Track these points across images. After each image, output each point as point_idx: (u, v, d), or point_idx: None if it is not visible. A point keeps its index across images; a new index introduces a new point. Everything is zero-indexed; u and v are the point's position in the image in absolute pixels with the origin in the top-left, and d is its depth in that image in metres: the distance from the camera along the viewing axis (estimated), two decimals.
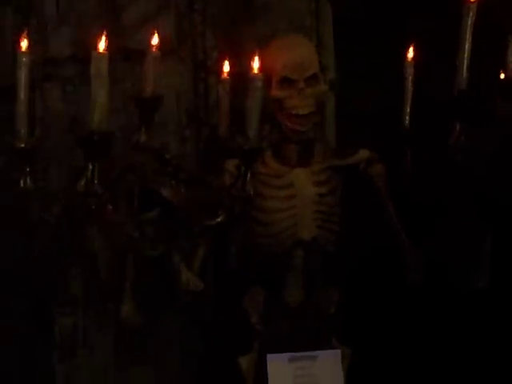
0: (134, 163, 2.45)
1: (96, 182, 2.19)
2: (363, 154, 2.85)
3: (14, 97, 2.25)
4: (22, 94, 2.23)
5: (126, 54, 2.98)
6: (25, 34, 2.25)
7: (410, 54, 2.59)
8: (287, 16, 3.16)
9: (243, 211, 2.52)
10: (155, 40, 2.47)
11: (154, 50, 2.48)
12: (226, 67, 2.56)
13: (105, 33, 2.20)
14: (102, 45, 2.19)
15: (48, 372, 3.00)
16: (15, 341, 2.97)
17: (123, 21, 3.01)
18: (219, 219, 2.47)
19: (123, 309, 2.57)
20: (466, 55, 2.41)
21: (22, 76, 2.22)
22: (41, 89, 2.97)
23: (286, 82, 2.73)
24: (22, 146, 2.23)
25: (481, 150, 2.61)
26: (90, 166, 2.18)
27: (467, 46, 2.41)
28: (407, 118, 2.61)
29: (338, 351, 2.75)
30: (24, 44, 2.24)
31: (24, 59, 2.23)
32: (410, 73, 2.59)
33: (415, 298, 3.02)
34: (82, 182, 2.20)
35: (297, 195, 2.75)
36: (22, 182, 2.23)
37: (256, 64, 2.40)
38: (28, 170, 2.24)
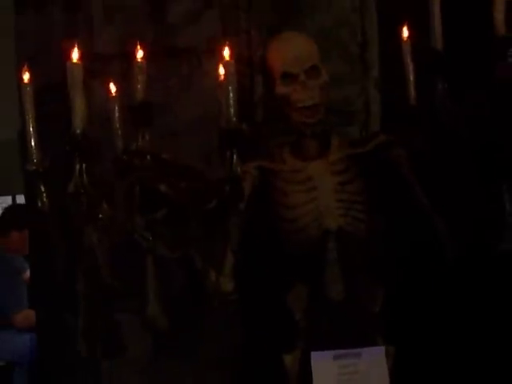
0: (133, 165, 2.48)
1: (86, 182, 2.31)
2: (381, 138, 2.85)
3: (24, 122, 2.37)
4: (30, 124, 2.37)
5: (171, 51, 3.00)
6: (26, 67, 2.38)
7: (405, 32, 2.57)
8: (332, 13, 3.16)
9: (235, 192, 2.47)
10: (140, 54, 2.52)
11: (139, 60, 2.52)
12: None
13: (77, 43, 2.33)
14: (75, 55, 2.33)
15: (93, 368, 3.02)
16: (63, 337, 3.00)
17: (168, 19, 3.05)
18: (211, 204, 2.46)
19: (148, 311, 2.59)
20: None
21: (28, 107, 2.36)
22: (87, 86, 3.00)
23: (288, 77, 2.75)
24: (34, 168, 2.37)
25: (477, 113, 2.53)
26: (78, 167, 2.31)
27: None
28: (412, 95, 2.58)
29: (382, 348, 2.70)
30: (26, 76, 2.38)
31: (28, 89, 2.37)
32: (407, 50, 2.57)
33: (459, 283, 2.95)
34: (72, 183, 2.32)
35: (317, 187, 2.76)
36: (39, 202, 2.35)
37: (226, 52, 2.40)
38: (43, 190, 2.36)
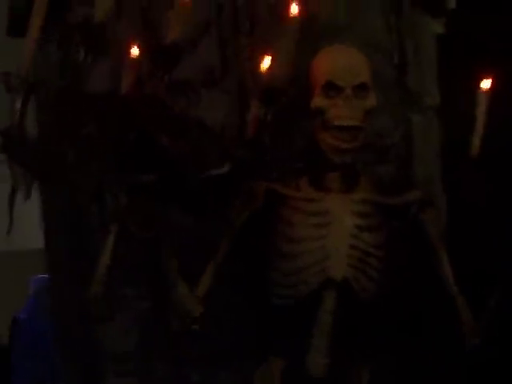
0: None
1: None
2: (415, 194, 2.42)
3: None
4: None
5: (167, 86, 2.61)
6: None
7: (486, 84, 2.29)
8: (359, 34, 2.70)
9: (255, 160, 2.13)
10: None
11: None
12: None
13: None
14: None
15: None
16: None
17: None
18: (225, 169, 2.07)
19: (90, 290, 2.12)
20: None
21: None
22: None
23: (332, 89, 2.32)
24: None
25: None
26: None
27: None
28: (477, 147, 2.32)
29: None
30: None
31: None
32: (483, 101, 2.31)
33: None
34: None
35: (331, 224, 2.30)
36: None
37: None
38: None
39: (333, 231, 2.29)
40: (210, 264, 2.26)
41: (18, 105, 1.96)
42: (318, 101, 2.33)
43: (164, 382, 2.59)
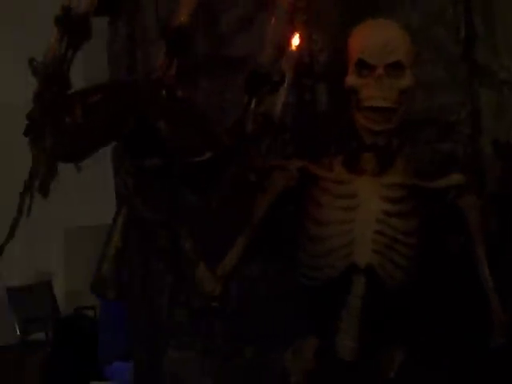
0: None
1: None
2: (455, 178, 2.27)
3: None
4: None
5: (226, 62, 2.57)
6: None
7: None
8: (421, 9, 2.61)
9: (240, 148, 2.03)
10: None
11: None
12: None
13: None
14: None
15: None
16: None
17: (221, 27, 2.61)
18: (207, 156, 1.97)
19: (101, 270, 2.08)
20: None
21: None
22: None
23: (363, 67, 2.22)
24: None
25: None
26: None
27: None
28: None
29: None
30: None
31: None
32: None
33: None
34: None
35: (358, 207, 2.21)
36: None
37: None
38: None
39: (359, 215, 2.20)
40: (236, 242, 2.22)
41: None
42: (350, 79, 2.24)
43: (220, 356, 2.60)
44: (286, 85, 2.17)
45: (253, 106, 2.04)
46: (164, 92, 1.97)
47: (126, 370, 3.32)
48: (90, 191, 5.71)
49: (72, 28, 1.81)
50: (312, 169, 2.28)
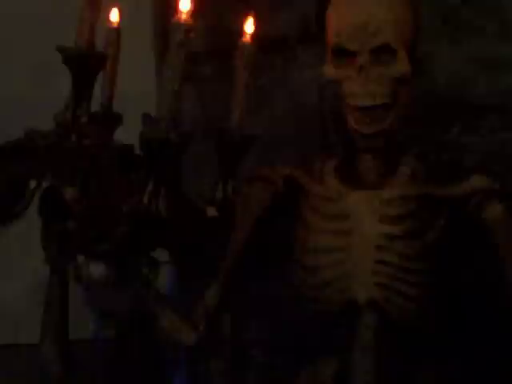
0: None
1: None
2: (477, 182, 1.76)
3: None
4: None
5: (264, 43, 2.42)
6: None
7: None
8: None
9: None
10: None
11: None
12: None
13: None
14: None
15: None
16: None
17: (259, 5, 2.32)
18: (104, 246, 1.70)
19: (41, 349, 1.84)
20: None
21: None
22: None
23: (342, 55, 1.74)
24: None
25: None
26: None
27: None
28: None
29: None
30: None
31: None
32: None
33: None
34: None
35: (352, 231, 1.76)
36: None
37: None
38: None
39: (354, 241, 1.75)
40: (218, 270, 1.85)
41: None
42: (327, 71, 1.77)
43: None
44: None
45: None
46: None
47: None
48: None
49: None
50: (300, 177, 1.86)
